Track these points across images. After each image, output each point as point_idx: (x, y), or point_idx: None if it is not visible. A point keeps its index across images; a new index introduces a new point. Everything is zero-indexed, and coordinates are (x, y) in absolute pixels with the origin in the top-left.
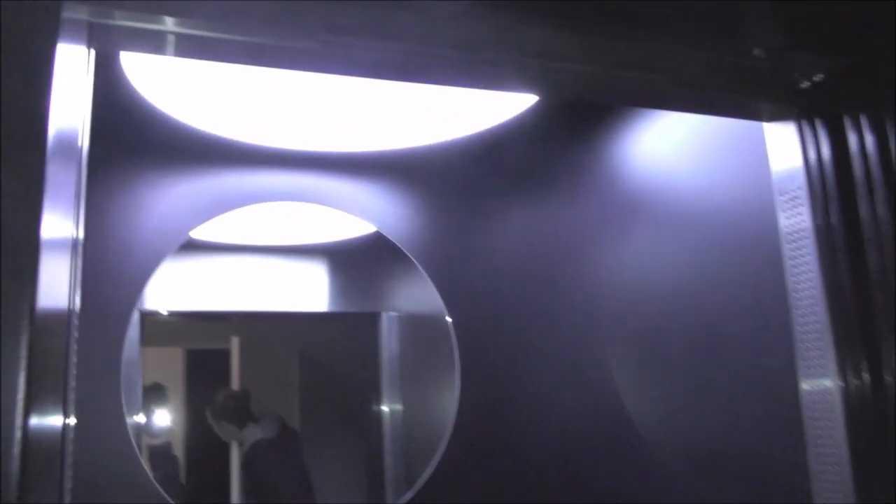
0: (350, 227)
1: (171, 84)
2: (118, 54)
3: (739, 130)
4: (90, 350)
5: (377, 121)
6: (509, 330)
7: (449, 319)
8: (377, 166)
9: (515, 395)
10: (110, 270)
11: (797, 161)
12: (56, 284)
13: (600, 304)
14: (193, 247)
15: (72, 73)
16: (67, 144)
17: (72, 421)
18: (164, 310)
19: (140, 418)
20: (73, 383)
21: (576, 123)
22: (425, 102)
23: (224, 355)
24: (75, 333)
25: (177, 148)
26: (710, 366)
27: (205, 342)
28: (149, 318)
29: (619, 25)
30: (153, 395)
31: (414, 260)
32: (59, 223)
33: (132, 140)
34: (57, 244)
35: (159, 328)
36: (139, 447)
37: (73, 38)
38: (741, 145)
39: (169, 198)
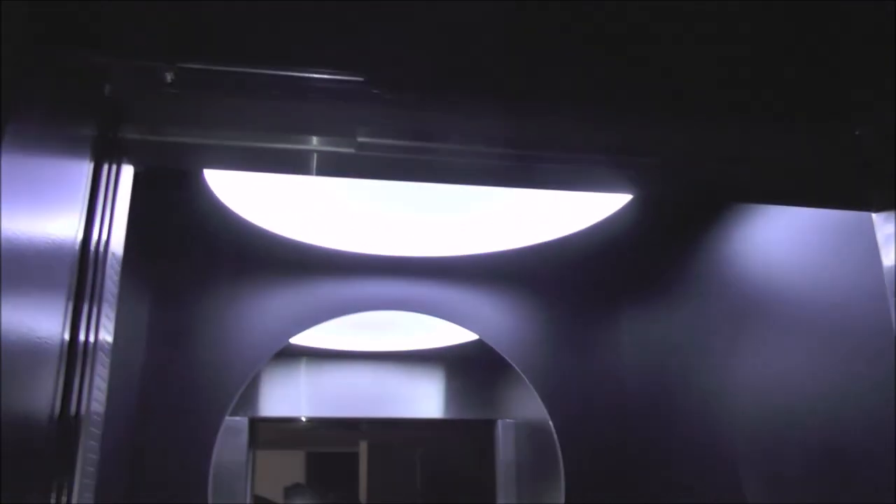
0: (461, 333)
1: (263, 197)
2: (201, 173)
3: (850, 220)
4: (180, 454)
5: (472, 225)
6: (615, 434)
7: (552, 424)
8: (474, 271)
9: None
10: (206, 378)
11: None
12: (19, 389)
13: (709, 411)
14: (307, 354)
15: (68, 186)
16: (47, 252)
17: None
18: (300, 416)
19: None
20: (84, 482)
21: (676, 218)
22: (519, 204)
23: (352, 459)
24: (90, 439)
25: (274, 259)
26: (836, 483)
27: (332, 446)
28: (263, 423)
29: (704, 114)
30: (295, 494)
31: (514, 365)
32: (24, 328)
33: (233, 254)
34: (22, 349)
35: (278, 433)
36: None
37: (72, 153)
38: (853, 237)
39: (267, 307)
